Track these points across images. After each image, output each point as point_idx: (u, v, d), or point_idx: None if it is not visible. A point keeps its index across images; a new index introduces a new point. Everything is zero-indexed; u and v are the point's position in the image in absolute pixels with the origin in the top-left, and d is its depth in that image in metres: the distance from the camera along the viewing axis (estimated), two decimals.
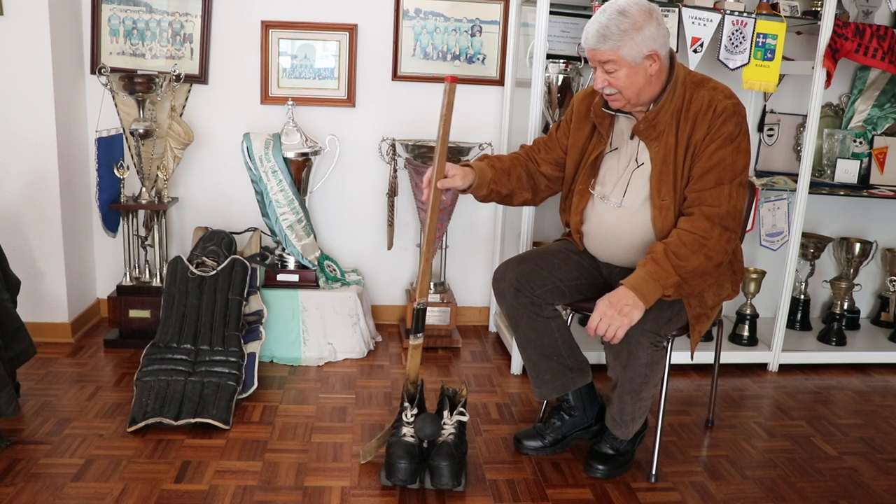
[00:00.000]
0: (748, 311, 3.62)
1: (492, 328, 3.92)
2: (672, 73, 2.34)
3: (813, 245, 3.79)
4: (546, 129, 3.36)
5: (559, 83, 3.40)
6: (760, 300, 3.71)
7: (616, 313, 2.17)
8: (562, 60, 3.42)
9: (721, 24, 3.24)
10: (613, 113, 2.47)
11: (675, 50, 2.40)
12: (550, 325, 2.57)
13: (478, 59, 3.74)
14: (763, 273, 3.64)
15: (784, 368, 3.58)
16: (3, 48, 3.25)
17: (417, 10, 3.67)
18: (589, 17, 3.34)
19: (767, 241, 3.54)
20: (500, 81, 3.75)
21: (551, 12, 3.16)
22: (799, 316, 3.87)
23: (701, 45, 3.24)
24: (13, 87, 3.28)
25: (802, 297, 3.88)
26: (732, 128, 2.28)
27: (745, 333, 3.63)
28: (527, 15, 3.63)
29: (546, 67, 3.28)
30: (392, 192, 3.70)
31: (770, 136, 3.84)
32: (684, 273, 2.23)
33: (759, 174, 3.74)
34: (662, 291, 2.23)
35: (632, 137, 2.44)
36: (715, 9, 3.25)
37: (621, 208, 2.44)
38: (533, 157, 2.66)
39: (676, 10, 3.21)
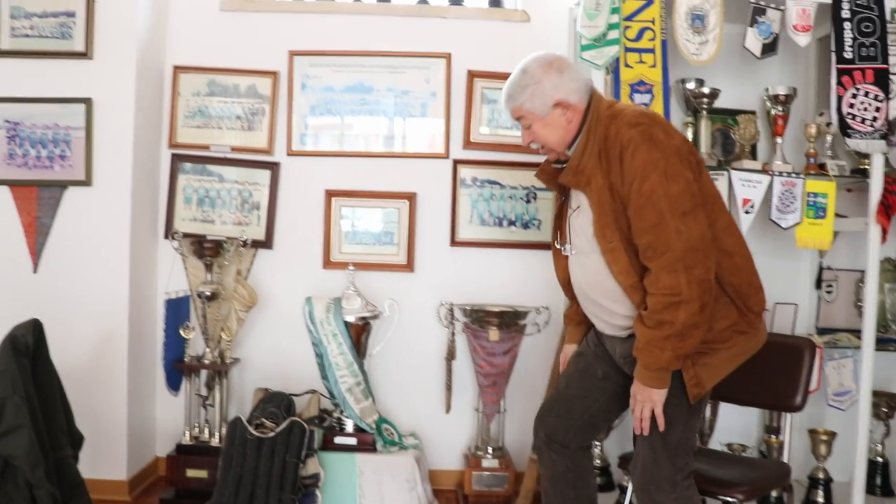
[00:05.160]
0: (821, 476, 3.46)
1: None
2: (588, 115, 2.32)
3: (885, 403, 3.65)
4: None
5: None
6: (834, 463, 3.53)
7: (640, 406, 2.23)
8: None
9: (770, 186, 3.31)
10: (559, 168, 2.45)
11: (595, 90, 2.39)
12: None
13: (533, 224, 3.85)
14: (833, 434, 3.50)
15: None
16: (88, 215, 3.49)
17: (474, 179, 3.83)
18: None
19: (835, 401, 3.44)
20: None
21: None
22: (879, 480, 3.67)
23: (752, 206, 3.30)
24: (93, 249, 3.49)
25: (880, 459, 3.69)
26: (645, 156, 2.15)
27: (820, 500, 3.45)
28: None
29: None
30: (450, 356, 3.72)
31: (829, 292, 3.81)
32: (672, 338, 2.13)
33: (821, 332, 3.68)
34: (668, 368, 2.17)
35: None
36: (764, 171, 3.33)
37: (576, 255, 2.41)
38: None
39: (726, 172, 3.30)
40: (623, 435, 3.62)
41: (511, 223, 3.85)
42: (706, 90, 3.48)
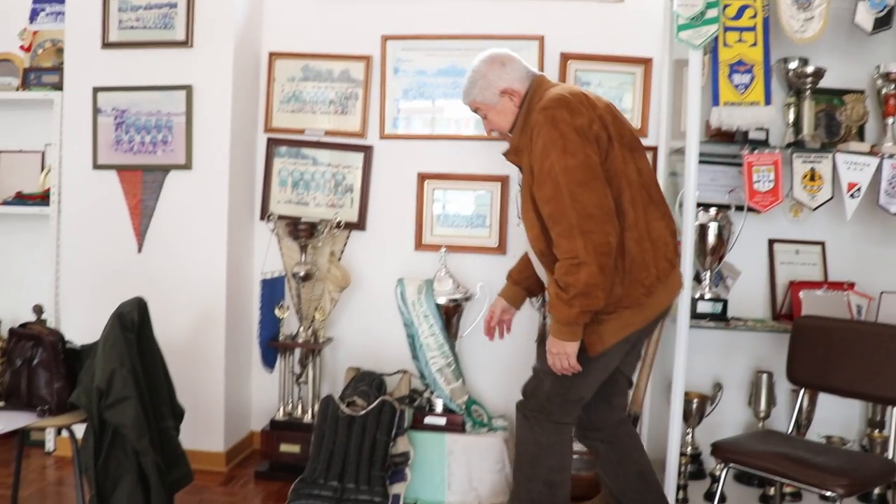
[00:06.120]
0: None
1: None
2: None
3: None
4: (697, 276, 3.33)
5: (711, 231, 3.36)
6: None
7: (556, 358, 2.48)
8: (713, 208, 3.40)
9: (879, 168, 3.16)
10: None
11: (539, 76, 2.63)
12: None
13: None
14: None
15: None
16: (188, 197, 3.63)
17: None
18: (738, 164, 3.36)
19: None
20: None
21: (700, 161, 3.17)
22: None
23: (858, 191, 3.16)
24: (193, 231, 3.63)
25: None
26: (546, 137, 2.40)
27: None
28: (675, 164, 3.67)
29: (697, 216, 3.27)
30: (541, 338, 3.70)
31: None
32: (578, 297, 2.35)
33: None
34: (578, 322, 2.41)
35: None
36: (872, 153, 3.18)
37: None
38: None
39: (830, 155, 3.18)
40: (715, 423, 3.55)
41: None
42: (810, 69, 3.34)
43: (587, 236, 2.33)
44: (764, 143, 3.25)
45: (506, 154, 2.70)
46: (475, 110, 2.68)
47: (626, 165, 2.50)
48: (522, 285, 2.91)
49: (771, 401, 3.48)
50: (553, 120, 2.40)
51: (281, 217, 3.77)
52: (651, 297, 2.52)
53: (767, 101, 3.12)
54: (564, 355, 2.46)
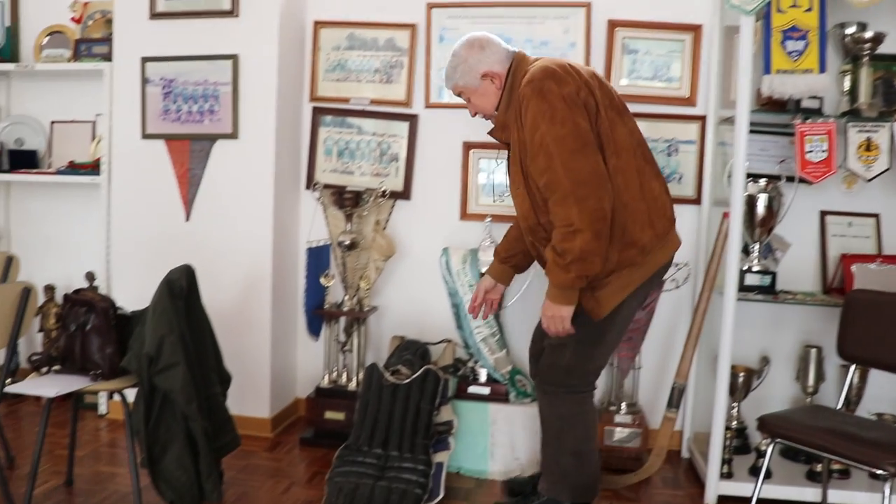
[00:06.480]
0: None
1: (684, 453, 3.72)
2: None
3: None
4: (745, 248, 3.27)
5: (760, 202, 3.30)
6: None
7: (551, 321, 2.56)
8: (762, 179, 3.34)
9: None
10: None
11: (518, 53, 2.68)
12: None
13: (674, 178, 3.73)
14: None
15: None
16: (235, 166, 3.66)
17: None
18: (789, 134, 3.28)
19: None
20: (697, 201, 3.70)
21: (750, 131, 3.10)
22: None
23: None
24: (239, 200, 3.66)
25: None
26: (535, 109, 2.45)
27: None
28: (724, 134, 3.60)
29: (746, 187, 3.20)
30: None
31: None
32: (574, 262, 2.42)
33: None
34: (573, 287, 2.49)
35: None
36: None
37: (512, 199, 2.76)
38: None
39: (888, 124, 3.09)
40: (761, 398, 3.51)
41: None
42: (869, 35, 3.23)
43: (582, 203, 2.40)
44: (817, 112, 3.16)
45: (491, 132, 2.77)
46: (458, 94, 2.76)
47: (616, 128, 2.55)
48: (510, 263, 2.99)
49: (820, 376, 3.42)
50: (541, 91, 2.46)
51: (326, 186, 3.79)
52: (647, 256, 2.60)
53: (822, 69, 3.03)
54: (559, 318, 2.55)
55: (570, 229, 2.41)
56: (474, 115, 2.79)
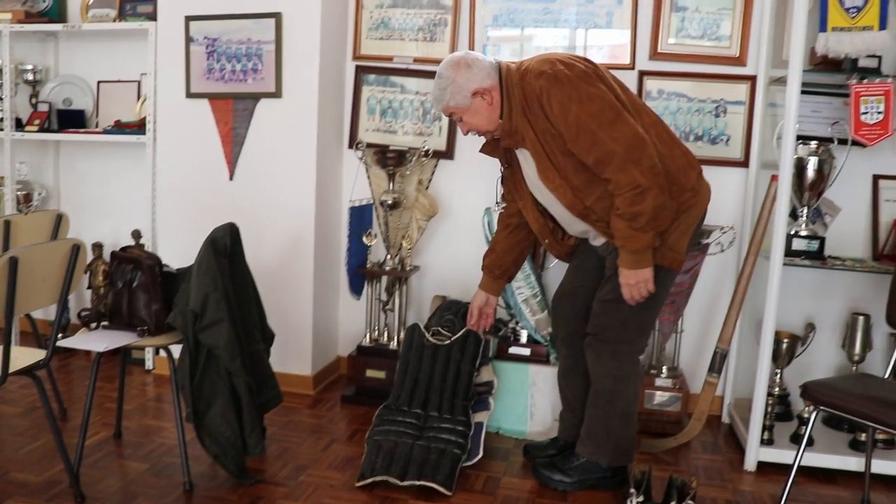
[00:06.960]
0: None
1: (724, 419, 3.70)
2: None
3: None
4: (793, 212, 3.20)
5: (810, 165, 3.22)
6: None
7: (635, 288, 2.62)
8: (813, 142, 3.25)
9: None
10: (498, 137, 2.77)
11: (502, 62, 2.69)
12: None
13: (721, 140, 3.65)
14: None
15: None
16: (278, 125, 3.67)
17: (660, 91, 3.66)
18: (843, 95, 3.18)
19: None
20: (744, 163, 3.62)
21: (802, 92, 3.01)
22: None
23: None
24: (283, 158, 3.68)
25: None
26: (559, 96, 2.49)
27: None
28: (775, 95, 3.51)
29: (796, 149, 3.13)
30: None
31: None
32: (650, 221, 2.50)
33: None
34: (651, 246, 2.57)
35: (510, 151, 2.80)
36: None
37: (544, 200, 2.79)
38: (513, 213, 2.99)
39: None
40: (806, 364, 3.47)
41: (698, 138, 3.67)
42: None
43: (639, 164, 2.47)
44: (875, 72, 3.06)
45: (483, 148, 2.87)
46: (450, 115, 2.77)
47: (628, 94, 2.64)
48: (504, 277, 3.09)
49: (867, 344, 3.36)
50: (556, 78, 2.51)
51: (369, 145, 3.78)
52: (698, 197, 2.70)
53: (882, 26, 2.92)
54: (643, 281, 2.60)
55: (637, 191, 2.46)
56: (467, 133, 2.79)
